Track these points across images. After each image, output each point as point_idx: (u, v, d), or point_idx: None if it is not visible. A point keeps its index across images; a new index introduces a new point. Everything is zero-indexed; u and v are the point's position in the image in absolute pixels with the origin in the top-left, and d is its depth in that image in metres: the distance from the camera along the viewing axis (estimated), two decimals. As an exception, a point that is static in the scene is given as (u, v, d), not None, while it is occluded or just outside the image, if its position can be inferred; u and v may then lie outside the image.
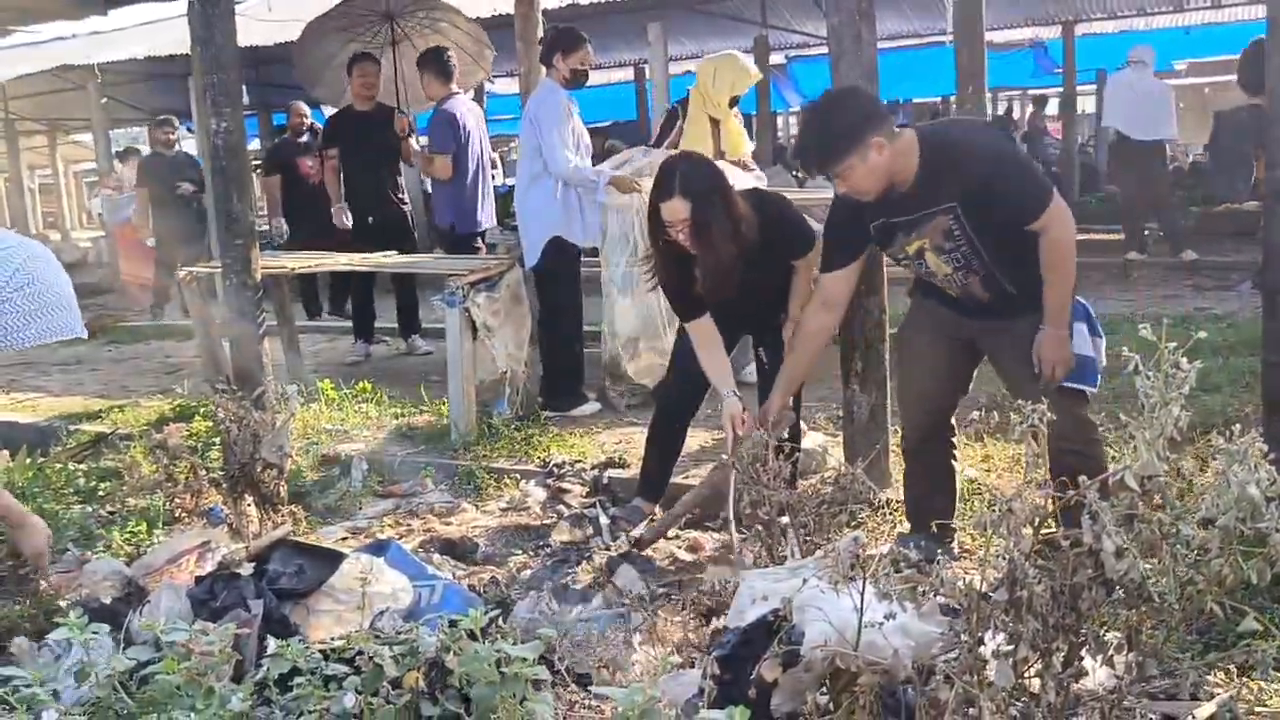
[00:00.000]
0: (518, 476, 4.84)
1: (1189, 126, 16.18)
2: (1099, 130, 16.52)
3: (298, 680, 1.88)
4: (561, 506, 4.55)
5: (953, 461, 3.74)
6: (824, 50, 14.81)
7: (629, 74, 17.10)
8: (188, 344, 9.27)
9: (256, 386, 4.84)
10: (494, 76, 13.58)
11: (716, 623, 2.51)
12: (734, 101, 6.23)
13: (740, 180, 4.81)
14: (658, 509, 4.31)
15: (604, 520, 4.31)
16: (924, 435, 3.66)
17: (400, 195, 7.93)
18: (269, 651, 1.92)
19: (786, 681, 1.76)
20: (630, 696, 1.42)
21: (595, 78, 19.56)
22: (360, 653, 1.89)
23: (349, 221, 7.63)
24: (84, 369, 8.43)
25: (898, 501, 3.99)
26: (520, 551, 4.10)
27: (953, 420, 3.70)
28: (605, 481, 4.72)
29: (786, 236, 4.00)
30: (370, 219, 7.62)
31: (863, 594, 1.74)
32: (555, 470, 4.85)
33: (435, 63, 7.06)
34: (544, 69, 5.92)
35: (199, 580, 3.09)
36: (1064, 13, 14.07)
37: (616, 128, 17.08)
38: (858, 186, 3.24)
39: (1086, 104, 18.33)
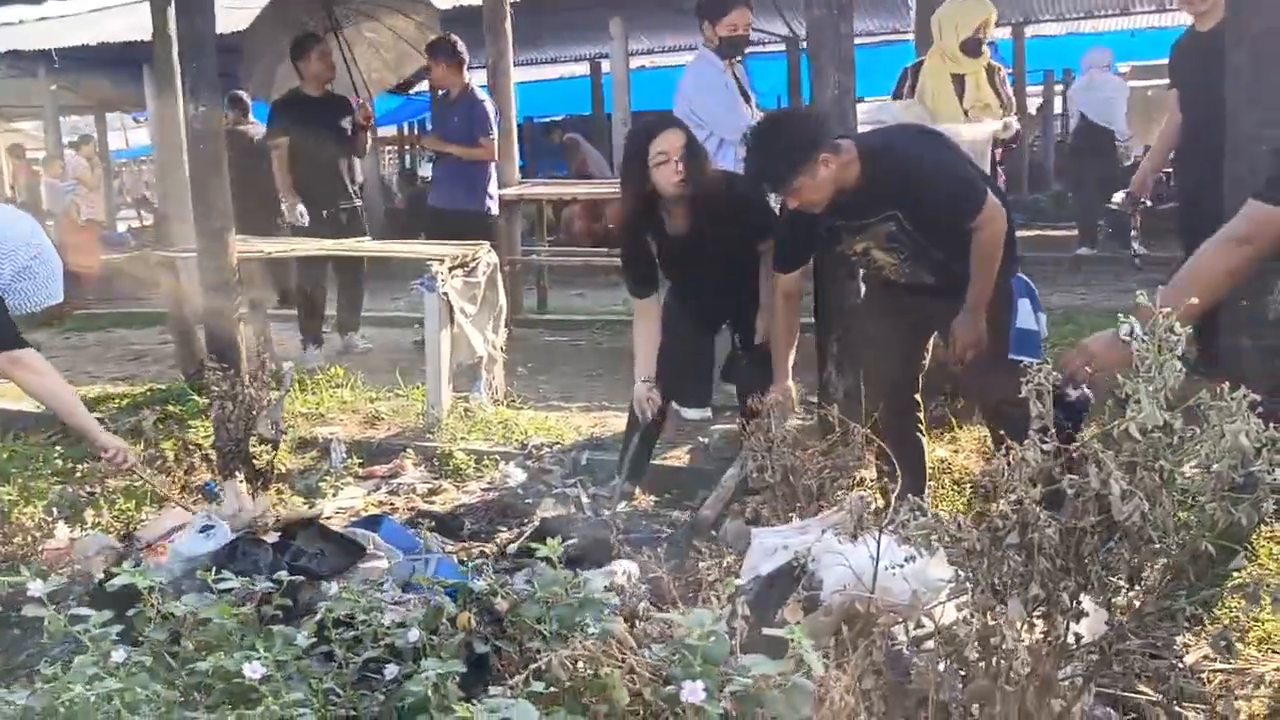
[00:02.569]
0: (497, 458, 4.92)
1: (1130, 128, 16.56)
2: (1047, 129, 16.91)
3: (360, 619, 1.96)
4: (542, 487, 4.64)
5: (920, 437, 3.89)
6: (779, 47, 14.95)
7: (585, 68, 17.15)
8: (148, 330, 9.22)
9: (233, 369, 4.87)
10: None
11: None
12: (972, 48, 5.44)
13: (967, 134, 4.69)
14: (638, 490, 4.43)
15: (585, 499, 4.41)
16: (894, 411, 3.82)
17: (354, 188, 7.60)
18: (330, 593, 2.00)
19: (806, 625, 1.87)
20: (699, 619, 1.52)
21: (550, 72, 19.52)
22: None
23: (305, 219, 7.16)
24: (45, 356, 8.33)
25: (872, 480, 4.12)
26: (506, 529, 4.17)
27: (917, 396, 3.87)
28: (585, 462, 4.82)
29: (752, 215, 4.13)
30: (325, 213, 7.22)
31: (879, 543, 1.86)
32: (534, 452, 4.94)
33: (450, 52, 7.10)
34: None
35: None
36: (1014, 14, 14.37)
37: (571, 122, 17.17)
38: (807, 200, 3.43)
39: (1034, 105, 18.68)
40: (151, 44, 7.89)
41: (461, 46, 7.21)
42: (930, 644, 1.93)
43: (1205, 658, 2.72)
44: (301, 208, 7.15)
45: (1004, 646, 1.61)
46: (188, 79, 5.41)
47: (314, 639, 1.93)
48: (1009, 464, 1.68)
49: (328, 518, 4.31)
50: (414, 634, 1.85)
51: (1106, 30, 15.82)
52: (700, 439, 4.90)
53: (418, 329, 8.02)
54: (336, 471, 4.86)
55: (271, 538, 3.35)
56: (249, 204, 7.20)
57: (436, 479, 4.80)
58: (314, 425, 5.49)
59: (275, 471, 4.06)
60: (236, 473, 3.81)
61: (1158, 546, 1.65)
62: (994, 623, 1.63)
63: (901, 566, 1.83)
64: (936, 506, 3.96)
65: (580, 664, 1.51)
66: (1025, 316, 3.48)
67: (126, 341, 8.81)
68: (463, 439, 5.14)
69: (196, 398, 5.56)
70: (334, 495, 4.59)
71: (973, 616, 1.67)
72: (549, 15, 12.95)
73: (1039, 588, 1.66)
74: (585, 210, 12.07)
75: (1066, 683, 1.84)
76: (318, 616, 1.97)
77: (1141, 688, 2.25)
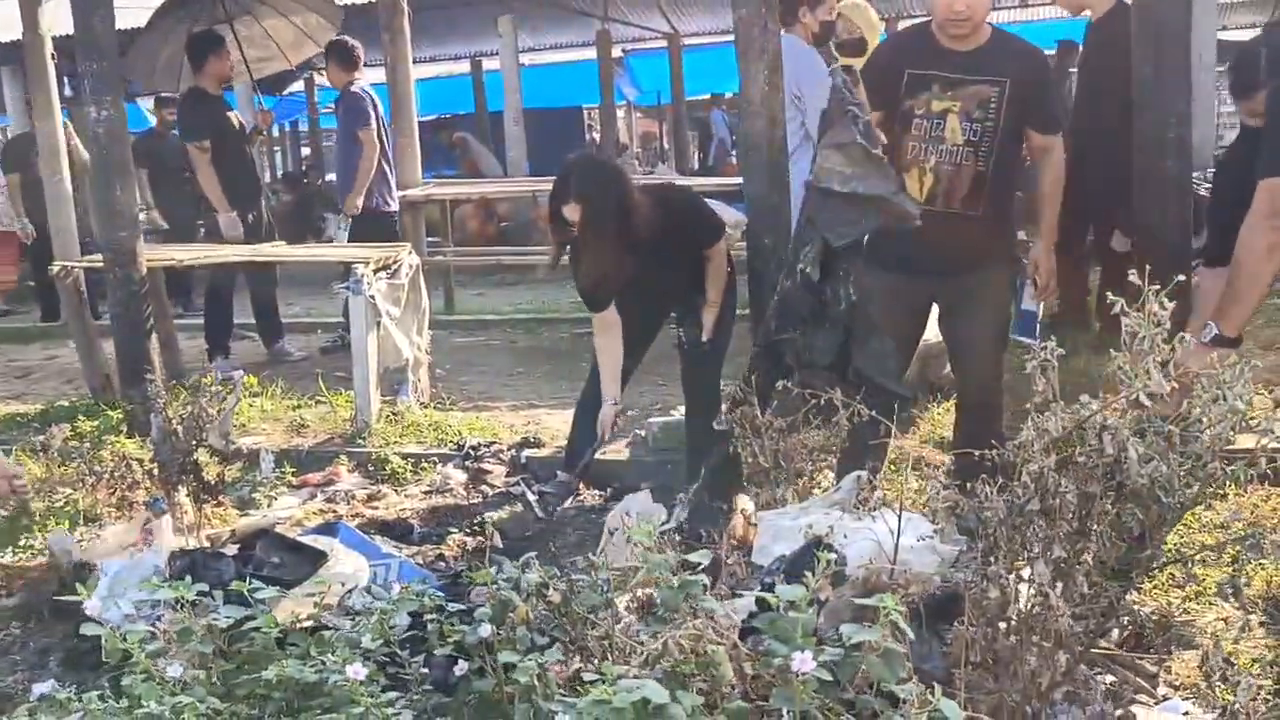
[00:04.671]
0: (435, 460, 4.89)
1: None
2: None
3: (428, 619, 1.96)
4: (485, 487, 4.64)
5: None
6: (661, 44, 14.99)
7: (465, 66, 16.98)
8: (28, 346, 8.81)
9: (144, 384, 4.71)
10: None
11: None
12: (845, 48, 5.63)
13: None
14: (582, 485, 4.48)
15: (531, 496, 4.43)
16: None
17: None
18: (394, 595, 1.99)
19: (833, 600, 1.96)
20: (792, 593, 1.57)
21: (435, 70, 19.23)
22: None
23: (240, 230, 6.81)
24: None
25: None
26: (456, 530, 4.16)
27: None
28: (524, 461, 4.84)
29: (694, 228, 4.21)
30: (250, 216, 6.96)
31: (900, 517, 1.96)
32: (473, 452, 4.92)
33: (340, 52, 7.02)
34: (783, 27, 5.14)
35: (180, 554, 3.07)
36: (887, 10, 14.84)
37: (453, 120, 17.01)
38: (973, 3, 3.47)
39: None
40: (12, 46, 7.51)
41: (354, 47, 7.15)
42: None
43: (1151, 612, 2.92)
44: (236, 217, 6.84)
45: (1035, 608, 1.72)
46: (86, 81, 5.22)
47: (380, 640, 1.92)
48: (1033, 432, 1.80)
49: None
50: (485, 629, 1.87)
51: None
52: (638, 432, 4.96)
53: (321, 334, 7.90)
54: (269, 481, 4.74)
55: (230, 549, 3.29)
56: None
57: (374, 484, 4.74)
58: (237, 436, 5.34)
59: (225, 484, 3.97)
60: (179, 488, 3.71)
61: (1165, 504, 1.79)
62: (1026, 585, 1.74)
63: (931, 538, 1.93)
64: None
65: (685, 643, 1.56)
66: (1028, 298, 3.69)
67: (7, 358, 8.40)
68: (395, 443, 5.09)
69: (110, 412, 5.37)
70: (269, 505, 4.50)
71: (1002, 581, 1.77)
72: (430, 15, 12.83)
73: (1060, 550, 1.77)
74: (478, 210, 12.01)
75: (1073, 638, 1.97)
76: (373, 619, 1.96)
77: (1103, 643, 2.43)
